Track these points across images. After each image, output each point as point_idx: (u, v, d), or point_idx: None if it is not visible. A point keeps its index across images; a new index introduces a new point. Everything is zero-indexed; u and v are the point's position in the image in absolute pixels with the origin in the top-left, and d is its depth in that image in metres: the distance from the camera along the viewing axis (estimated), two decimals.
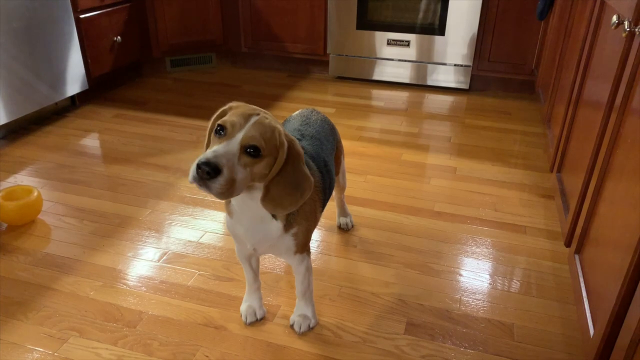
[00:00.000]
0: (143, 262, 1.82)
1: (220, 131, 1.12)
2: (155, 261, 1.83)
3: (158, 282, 1.73)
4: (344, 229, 2.00)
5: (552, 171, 2.10)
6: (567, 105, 1.98)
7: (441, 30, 3.36)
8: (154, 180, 2.36)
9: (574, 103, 1.87)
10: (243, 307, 1.58)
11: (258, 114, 1.14)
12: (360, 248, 1.92)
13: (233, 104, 1.20)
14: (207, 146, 1.21)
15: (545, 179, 2.41)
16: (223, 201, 1.39)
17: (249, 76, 3.84)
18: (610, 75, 1.45)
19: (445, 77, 3.51)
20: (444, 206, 2.19)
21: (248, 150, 1.11)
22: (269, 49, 3.85)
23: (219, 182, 1.07)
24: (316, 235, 1.97)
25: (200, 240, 1.95)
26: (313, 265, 1.81)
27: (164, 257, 1.85)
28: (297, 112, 1.68)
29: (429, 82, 3.58)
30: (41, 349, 1.46)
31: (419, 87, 3.63)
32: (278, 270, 1.79)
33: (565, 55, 2.26)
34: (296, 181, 1.19)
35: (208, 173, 1.05)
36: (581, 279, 1.42)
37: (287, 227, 1.30)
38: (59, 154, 2.60)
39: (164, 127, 2.93)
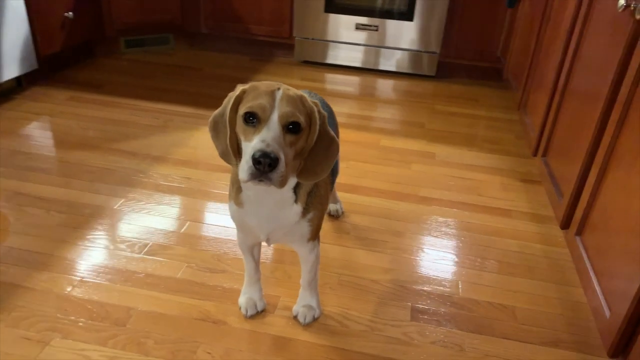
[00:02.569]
0: (123, 255, 1.68)
1: (251, 119, 1.05)
2: (137, 253, 1.69)
3: (143, 275, 1.60)
4: (335, 216, 1.94)
5: (535, 155, 2.13)
6: (551, 92, 2.01)
7: (409, 16, 3.35)
8: (124, 167, 2.19)
9: (560, 90, 1.89)
10: (242, 300, 1.49)
11: (279, 88, 1.07)
12: (354, 235, 1.87)
13: (245, 86, 1.11)
14: (229, 139, 1.10)
15: (522, 163, 2.46)
16: (228, 193, 1.29)
17: (210, 59, 3.67)
18: (610, 62, 1.47)
19: (412, 63, 3.51)
20: (429, 191, 2.18)
21: (289, 127, 1.05)
22: (231, 31, 3.69)
23: (280, 170, 1.01)
24: None
25: (184, 230, 1.83)
26: None
27: (146, 249, 1.72)
28: None
29: (397, 69, 3.56)
30: (20, 354, 1.31)
31: (386, 72, 3.60)
32: (273, 259, 1.71)
33: (544, 42, 2.30)
34: (327, 144, 1.14)
35: (270, 165, 0.99)
36: (587, 262, 1.44)
37: (305, 211, 1.22)
38: (9, 139, 2.36)
39: (124, 111, 2.74)
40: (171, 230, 1.82)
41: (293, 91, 1.09)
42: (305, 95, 1.11)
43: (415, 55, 3.48)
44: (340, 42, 3.55)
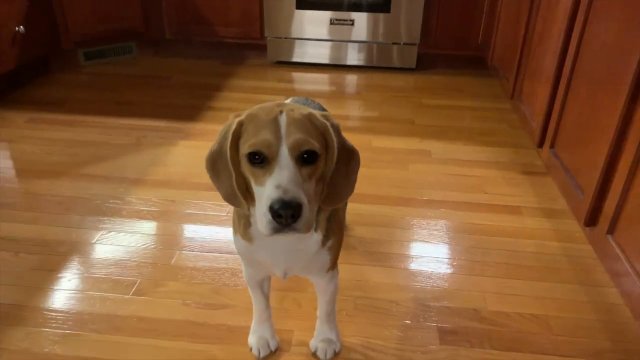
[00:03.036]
0: (109, 298, 1.49)
1: (256, 158, 0.89)
2: (124, 294, 1.50)
3: (135, 320, 1.41)
4: None
5: (540, 147, 2.02)
6: (553, 79, 1.90)
7: (386, 8, 3.21)
8: (98, 194, 1.98)
9: (566, 76, 1.78)
10: (252, 340, 1.32)
11: (281, 111, 0.90)
12: (361, 249, 1.72)
13: (241, 116, 0.94)
14: (236, 181, 0.94)
15: (522, 154, 2.35)
16: (235, 226, 1.12)
17: (177, 66, 3.45)
18: (631, 41, 1.35)
19: (391, 57, 3.37)
20: (431, 193, 2.05)
21: (304, 158, 0.89)
22: (198, 35, 3.47)
23: (306, 217, 0.86)
24: None
25: (174, 262, 1.64)
26: None
27: (134, 289, 1.52)
28: (290, 99, 1.43)
29: (376, 63, 3.42)
30: None
31: (365, 68, 3.46)
32: (278, 287, 1.54)
33: (536, 27, 2.19)
34: (347, 159, 0.99)
35: (293, 216, 0.85)
36: (625, 262, 1.32)
37: (325, 239, 1.06)
38: None
39: (92, 130, 2.51)
40: (160, 263, 1.63)
41: (298, 111, 0.92)
42: (314, 111, 0.95)
43: (394, 48, 3.34)
44: (315, 40, 3.38)
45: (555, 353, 1.34)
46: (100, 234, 1.76)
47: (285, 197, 0.84)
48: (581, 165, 1.64)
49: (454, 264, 1.66)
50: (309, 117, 0.93)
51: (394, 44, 3.32)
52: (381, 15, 3.24)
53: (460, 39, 3.31)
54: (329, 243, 1.08)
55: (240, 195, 0.95)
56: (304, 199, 0.86)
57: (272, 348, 1.32)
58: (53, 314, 1.42)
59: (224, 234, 1.77)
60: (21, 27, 2.75)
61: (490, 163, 2.28)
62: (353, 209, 1.92)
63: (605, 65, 1.54)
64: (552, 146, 1.89)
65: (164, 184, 2.06)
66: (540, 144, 2.01)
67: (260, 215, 0.88)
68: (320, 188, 0.97)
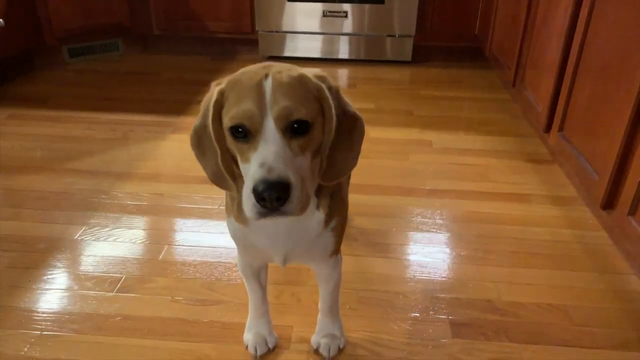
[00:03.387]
0: (92, 296, 1.37)
1: (239, 132, 0.78)
2: (108, 292, 1.38)
3: (120, 319, 1.29)
4: None
5: (547, 132, 1.92)
6: (559, 62, 1.82)
7: None
8: (82, 189, 1.86)
9: (573, 59, 1.70)
10: (248, 336, 1.20)
11: (266, 74, 0.78)
12: (363, 241, 1.61)
13: (222, 84, 0.82)
14: (222, 159, 0.83)
15: (526, 143, 2.26)
16: (226, 208, 1.01)
17: (166, 62, 3.33)
18: None
19: (387, 49, 3.28)
20: (434, 182, 1.95)
21: (293, 128, 0.77)
22: (187, 30, 3.37)
23: (296, 198, 0.75)
24: None
25: (163, 257, 1.52)
26: (311, 269, 1.46)
27: (119, 285, 1.41)
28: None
29: (371, 56, 3.33)
30: None
31: (360, 62, 3.36)
32: (275, 280, 1.42)
33: (538, 11, 2.10)
34: (349, 127, 0.87)
35: (279, 199, 0.74)
36: None
37: (328, 219, 0.95)
38: None
39: (76, 125, 2.39)
40: (147, 258, 1.52)
41: (287, 72, 0.80)
42: (305, 72, 0.83)
43: (389, 41, 3.25)
44: (308, 33, 3.29)
45: (577, 344, 1.24)
46: (84, 229, 1.64)
47: (270, 176, 0.74)
48: (595, 147, 1.55)
49: (463, 253, 1.56)
50: (300, 80, 0.80)
51: (388, 36, 3.24)
52: (375, 7, 3.15)
53: (457, 31, 3.23)
54: (332, 223, 0.97)
55: (227, 175, 0.84)
56: (292, 177, 0.75)
57: (270, 345, 1.20)
58: (29, 314, 1.30)
59: (216, 227, 1.66)
60: (1, 20, 2.63)
61: (494, 152, 2.19)
62: (352, 200, 1.80)
63: (618, 41, 1.45)
64: (560, 129, 1.80)
65: (153, 178, 1.94)
66: (548, 129, 1.92)
67: (245, 197, 0.77)
68: (318, 161, 0.86)
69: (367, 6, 3.16)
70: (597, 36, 1.58)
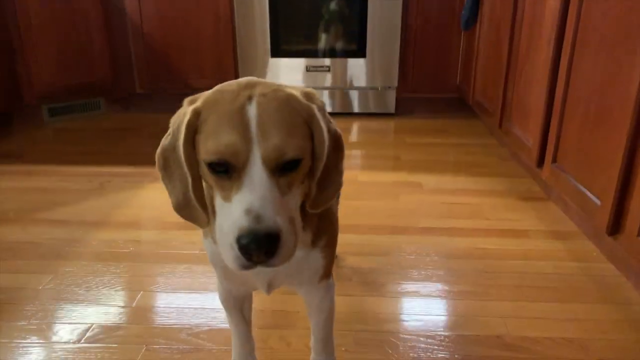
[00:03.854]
0: (54, 347, 1.21)
1: (219, 166, 0.68)
2: (73, 342, 1.23)
3: None
4: None
5: (540, 166, 1.87)
6: (547, 93, 1.80)
7: (361, 52, 3.17)
8: (52, 239, 1.73)
9: (562, 87, 1.68)
10: None
11: (249, 97, 0.69)
12: (357, 280, 1.49)
13: (197, 102, 0.72)
14: (193, 187, 0.73)
15: (518, 183, 2.20)
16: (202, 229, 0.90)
17: (149, 119, 3.29)
18: (634, 34, 1.26)
19: (370, 101, 3.30)
20: (428, 221, 1.86)
21: (283, 166, 0.68)
22: (170, 88, 3.36)
23: (286, 247, 0.66)
24: None
25: (137, 303, 1.38)
26: (301, 310, 1.33)
27: (87, 335, 1.25)
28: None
29: (355, 109, 3.33)
30: None
31: (344, 115, 3.36)
32: (262, 324, 1.29)
33: (519, 50, 2.13)
34: (335, 146, 0.78)
35: (267, 253, 0.65)
36: None
37: (315, 238, 0.85)
38: None
39: (51, 178, 2.28)
40: (119, 304, 1.37)
41: (272, 95, 0.70)
42: (293, 92, 0.73)
43: (372, 93, 3.28)
44: None
45: None
46: (50, 277, 1.49)
47: (259, 227, 0.64)
48: (593, 172, 1.49)
49: (464, 289, 1.44)
50: (288, 103, 0.70)
51: (371, 89, 3.26)
52: (356, 61, 3.19)
53: (439, 82, 3.28)
54: (322, 242, 0.87)
55: (198, 205, 0.74)
56: (282, 225, 0.66)
57: None
58: None
59: (197, 271, 1.53)
60: None
61: (486, 191, 2.13)
62: (343, 239, 1.70)
63: (605, 64, 1.43)
64: (554, 161, 1.75)
65: (130, 225, 1.83)
66: (540, 163, 1.87)
67: (225, 245, 0.67)
68: (304, 187, 0.77)
69: (349, 60, 3.20)
70: (583, 62, 1.57)
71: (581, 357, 1.18)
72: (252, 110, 0.67)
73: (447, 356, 1.18)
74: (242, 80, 0.74)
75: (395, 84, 3.23)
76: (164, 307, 1.36)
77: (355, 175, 2.30)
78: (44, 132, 3.02)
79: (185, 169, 0.72)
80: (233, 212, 0.66)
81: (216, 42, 3.25)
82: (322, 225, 0.87)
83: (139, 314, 1.34)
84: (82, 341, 1.23)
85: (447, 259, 1.61)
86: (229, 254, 0.67)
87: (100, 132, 3.02)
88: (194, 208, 0.75)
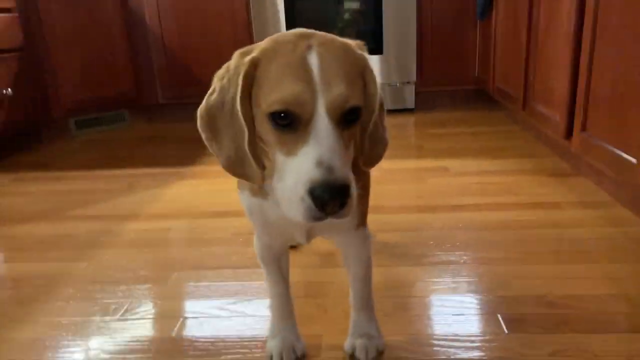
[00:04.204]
0: (94, 322, 1.22)
1: (282, 118, 0.67)
2: (111, 317, 1.23)
3: (123, 340, 1.14)
4: (294, 247, 1.47)
5: (568, 137, 1.84)
6: (571, 63, 1.78)
7: (378, 49, 3.19)
8: (86, 231, 1.75)
9: (586, 57, 1.66)
10: (273, 344, 1.04)
11: (309, 46, 0.69)
12: (389, 253, 1.47)
13: (254, 52, 0.71)
14: (248, 142, 0.72)
15: (546, 162, 2.17)
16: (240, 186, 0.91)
17: (172, 129, 3.34)
18: None
19: (390, 97, 3.30)
20: (459, 199, 1.83)
21: (345, 117, 0.69)
22: (191, 96, 3.39)
23: (353, 198, 0.67)
24: (321, 247, 1.50)
25: (171, 282, 1.38)
26: (335, 281, 1.32)
27: (124, 309, 1.26)
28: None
29: None
30: None
31: None
32: (297, 294, 1.27)
33: (539, 25, 2.12)
34: (380, 101, 0.79)
35: (341, 204, 0.66)
36: None
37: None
38: None
39: (81, 181, 2.33)
40: (154, 284, 1.38)
41: (331, 44, 0.70)
42: (348, 41, 0.75)
43: (392, 89, 3.28)
44: None
45: None
46: (85, 264, 1.51)
47: (332, 178, 0.64)
48: (627, 133, 1.46)
49: (500, 256, 1.42)
50: (346, 53, 0.71)
51: (389, 85, 3.27)
52: (374, 57, 3.21)
53: (457, 74, 3.28)
54: (357, 187, 0.86)
55: (253, 160, 0.73)
56: (351, 178, 0.67)
57: (298, 353, 1.04)
58: (24, 344, 1.15)
59: (228, 252, 1.53)
60: (9, 89, 2.66)
61: (513, 171, 2.10)
62: (372, 219, 1.69)
63: (633, 24, 1.41)
64: (583, 129, 1.72)
65: (160, 217, 1.84)
66: (569, 134, 1.84)
67: (292, 198, 0.67)
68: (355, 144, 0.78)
69: None
70: (607, 24, 1.56)
71: (631, 311, 1.14)
72: (314, 60, 0.67)
73: (490, 314, 1.15)
74: (296, 30, 0.74)
75: (414, 79, 3.24)
76: (198, 284, 1.36)
77: (380, 164, 2.29)
78: (72, 144, 3.09)
79: (243, 121, 0.71)
80: (302, 164, 0.66)
81: (235, 49, 3.30)
82: (357, 172, 0.86)
83: (174, 290, 1.34)
84: (119, 316, 1.23)
85: (480, 230, 1.58)
86: (299, 206, 0.66)
87: (125, 141, 3.08)
88: (249, 163, 0.74)
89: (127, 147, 2.92)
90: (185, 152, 2.67)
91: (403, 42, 3.16)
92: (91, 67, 3.16)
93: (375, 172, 2.18)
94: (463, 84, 3.30)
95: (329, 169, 0.64)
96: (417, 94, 3.32)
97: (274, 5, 3.16)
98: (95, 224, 1.80)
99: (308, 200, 0.65)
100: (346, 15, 3.17)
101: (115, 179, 2.32)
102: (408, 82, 3.26)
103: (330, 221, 0.86)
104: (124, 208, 1.94)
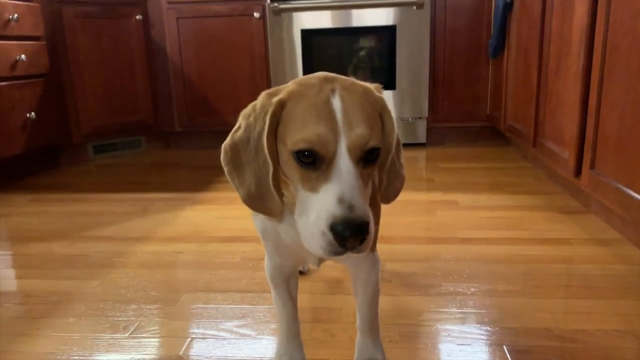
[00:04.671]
0: (104, 339, 1.23)
1: (306, 157, 0.71)
2: (121, 334, 1.25)
3: (132, 358, 1.15)
4: (302, 272, 1.52)
5: (577, 175, 1.86)
6: (580, 102, 1.81)
7: (391, 85, 3.26)
8: (99, 251, 1.79)
9: (595, 96, 1.70)
10: None
11: (333, 89, 0.73)
12: (397, 282, 1.48)
13: (280, 94, 0.76)
14: (272, 177, 0.76)
15: (557, 199, 2.18)
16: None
17: (188, 156, 3.41)
18: None
19: (401, 132, 3.35)
20: (467, 232, 1.85)
21: (365, 157, 0.73)
22: (207, 125, 3.50)
23: (371, 234, 0.70)
24: (330, 275, 1.51)
25: (181, 303, 1.40)
26: (344, 307, 1.33)
27: (133, 328, 1.28)
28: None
29: None
30: None
31: None
32: (305, 319, 1.29)
33: (549, 66, 2.17)
34: (396, 139, 0.84)
35: (362, 240, 0.69)
36: None
37: None
38: None
39: (97, 203, 2.38)
40: (164, 304, 1.40)
41: (352, 88, 0.75)
42: (367, 85, 0.80)
43: (404, 124, 3.33)
44: None
45: None
46: (97, 283, 1.54)
47: (354, 216, 0.68)
48: (634, 171, 1.48)
49: (509, 289, 1.42)
50: (366, 96, 0.76)
51: (401, 119, 3.32)
52: (387, 93, 3.28)
53: (469, 111, 3.32)
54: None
55: (277, 194, 0.77)
56: (370, 215, 0.70)
57: None
58: (35, 357, 1.17)
59: (237, 276, 1.55)
60: (32, 113, 2.76)
61: (524, 206, 2.11)
62: (381, 249, 1.71)
63: (638, 67, 1.45)
64: (592, 167, 1.74)
65: (172, 240, 1.87)
66: (578, 172, 1.86)
67: (314, 233, 0.70)
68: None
69: None
70: (615, 66, 1.59)
71: (637, 347, 1.13)
72: (337, 103, 0.72)
73: (496, 345, 1.15)
74: (320, 74, 0.78)
75: (426, 114, 3.29)
76: (206, 306, 1.38)
77: None
78: (89, 168, 3.16)
79: (268, 157, 0.74)
80: (324, 201, 0.69)
81: (252, 82, 3.40)
82: (371, 203, 0.90)
83: (184, 311, 1.36)
84: (130, 334, 1.25)
85: (489, 263, 1.59)
86: (320, 240, 0.70)
87: (141, 167, 3.14)
88: (271, 196, 0.77)
89: (142, 173, 2.98)
90: (199, 178, 2.72)
91: (416, 78, 3.22)
92: (112, 94, 3.26)
93: (384, 207, 2.21)
94: (475, 120, 3.34)
95: (350, 207, 0.68)
96: (429, 129, 3.37)
97: (291, 41, 3.26)
98: (108, 245, 1.84)
99: (329, 235, 0.68)
100: (361, 52, 3.26)
101: (129, 202, 2.37)
102: (420, 118, 3.31)
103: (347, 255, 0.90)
104: (136, 230, 1.98)
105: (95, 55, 3.14)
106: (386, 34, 3.19)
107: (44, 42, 2.86)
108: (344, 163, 0.70)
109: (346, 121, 0.71)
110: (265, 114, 0.75)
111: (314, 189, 0.71)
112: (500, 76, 2.96)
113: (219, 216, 2.10)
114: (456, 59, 3.25)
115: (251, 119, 0.78)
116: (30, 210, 2.31)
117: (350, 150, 0.70)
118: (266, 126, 0.74)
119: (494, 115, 3.16)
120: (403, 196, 2.36)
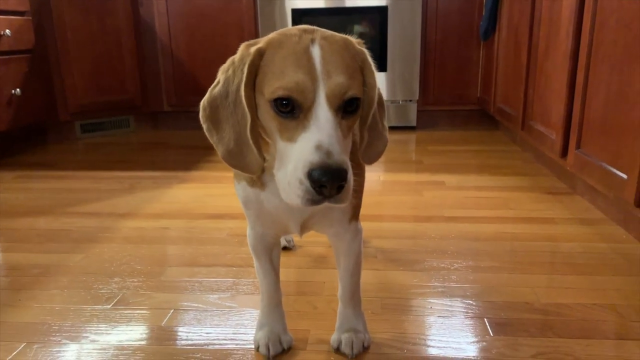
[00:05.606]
0: (86, 310, 1.23)
1: (284, 105, 0.70)
2: (105, 306, 1.25)
3: (113, 328, 1.15)
4: (287, 247, 1.53)
5: (564, 156, 1.87)
6: (567, 84, 1.82)
7: (382, 67, 3.24)
8: (84, 227, 1.78)
9: (583, 69, 1.70)
10: (260, 335, 1.06)
11: (312, 39, 0.72)
12: (383, 257, 1.49)
13: (259, 44, 0.75)
14: (251, 129, 0.75)
15: (543, 180, 2.20)
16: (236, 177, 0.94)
17: (176, 137, 3.38)
18: None
19: (391, 115, 3.35)
20: (453, 211, 1.85)
21: (344, 107, 0.72)
22: (196, 105, 3.41)
23: (349, 185, 0.70)
24: (315, 250, 1.51)
25: (165, 276, 1.40)
26: (327, 281, 1.34)
27: (117, 299, 1.27)
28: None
29: None
30: None
31: None
32: (289, 291, 1.29)
33: (539, 48, 2.16)
34: (379, 97, 0.83)
35: (339, 187, 0.68)
36: None
37: None
38: None
39: (83, 181, 2.36)
40: (148, 277, 1.39)
41: (332, 38, 0.75)
42: (349, 37, 0.79)
43: (393, 107, 3.33)
44: None
45: (635, 337, 1.08)
46: (81, 257, 1.53)
47: (330, 162, 0.67)
48: (617, 150, 1.49)
49: (492, 265, 1.43)
50: (346, 46, 0.75)
51: (392, 102, 3.32)
52: (378, 75, 3.26)
53: (459, 94, 3.32)
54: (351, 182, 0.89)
55: (255, 148, 0.75)
56: (349, 164, 0.69)
57: (285, 345, 1.05)
58: (17, 327, 1.17)
59: (223, 251, 1.55)
60: (18, 89, 2.72)
61: (511, 187, 2.12)
62: (367, 226, 1.71)
63: (624, 45, 1.45)
64: (578, 147, 1.75)
65: (158, 216, 1.87)
66: (564, 153, 1.87)
67: (291, 182, 0.70)
68: (353, 137, 0.81)
69: None
70: (602, 44, 1.60)
71: (613, 320, 1.15)
72: (316, 52, 0.71)
73: (477, 318, 1.16)
74: (300, 26, 0.77)
75: (416, 97, 3.28)
76: (191, 279, 1.38)
77: (378, 176, 2.32)
78: (76, 146, 3.13)
79: (246, 108, 0.73)
80: (301, 149, 0.69)
81: None
82: (353, 167, 0.89)
83: (167, 284, 1.36)
84: (112, 305, 1.25)
85: (474, 241, 1.60)
86: (297, 189, 0.69)
87: (129, 146, 3.12)
88: (250, 151, 0.76)
89: (130, 152, 2.96)
90: (187, 157, 2.70)
91: (407, 61, 3.21)
92: (99, 72, 3.22)
93: (374, 184, 2.22)
94: (465, 103, 3.34)
95: (328, 153, 0.67)
96: (419, 112, 3.36)
97: (282, 20, 3.23)
98: (94, 221, 1.83)
99: (306, 183, 0.68)
100: (353, 33, 3.24)
101: (116, 180, 2.35)
102: (411, 100, 3.30)
103: (325, 208, 0.87)
104: (123, 207, 1.97)
105: (82, 32, 3.09)
106: (378, 14, 3.17)
107: (30, 18, 2.81)
108: (323, 111, 0.69)
109: (325, 70, 0.70)
110: (244, 64, 0.74)
111: (292, 138, 0.70)
112: (491, 59, 2.96)
113: (207, 194, 2.09)
114: (448, 41, 3.23)
115: (230, 72, 0.77)
116: (15, 187, 2.29)
117: (329, 99, 0.69)
118: (244, 76, 0.73)
119: (484, 98, 3.17)
120: (392, 176, 2.38)
